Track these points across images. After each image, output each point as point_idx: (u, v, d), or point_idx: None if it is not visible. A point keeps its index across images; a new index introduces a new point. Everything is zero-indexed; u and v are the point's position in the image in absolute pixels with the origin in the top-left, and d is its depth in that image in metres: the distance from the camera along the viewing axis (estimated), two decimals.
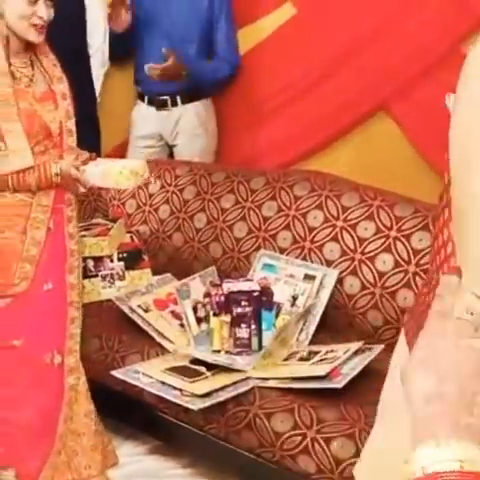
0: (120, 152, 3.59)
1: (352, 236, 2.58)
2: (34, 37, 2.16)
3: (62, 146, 2.23)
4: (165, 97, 3.44)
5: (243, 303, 2.44)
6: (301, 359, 2.32)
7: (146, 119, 3.52)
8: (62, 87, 2.24)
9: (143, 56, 3.40)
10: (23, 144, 2.13)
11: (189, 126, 3.48)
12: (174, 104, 3.46)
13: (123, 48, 3.48)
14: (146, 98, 3.49)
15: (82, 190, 2.26)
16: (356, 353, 2.27)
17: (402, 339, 1.56)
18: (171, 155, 3.60)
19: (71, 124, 2.24)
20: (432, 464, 0.72)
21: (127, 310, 2.67)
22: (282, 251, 2.73)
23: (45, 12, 2.12)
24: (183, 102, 3.46)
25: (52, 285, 2.24)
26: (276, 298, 2.52)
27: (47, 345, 2.27)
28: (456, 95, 1.13)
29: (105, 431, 2.42)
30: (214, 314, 2.47)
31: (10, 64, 2.15)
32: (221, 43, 3.43)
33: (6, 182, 2.14)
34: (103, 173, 2.20)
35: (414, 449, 0.75)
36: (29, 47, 2.22)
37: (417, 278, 2.44)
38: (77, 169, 2.19)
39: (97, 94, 3.60)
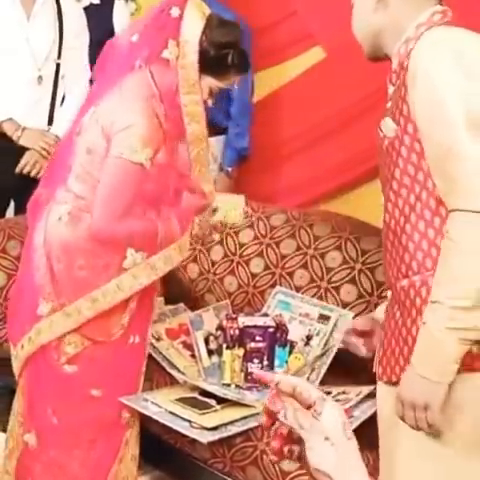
0: None
1: (370, 279, 2.59)
2: None
3: None
4: None
5: (257, 338, 2.44)
6: None
7: None
8: None
9: None
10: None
11: None
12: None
13: None
14: None
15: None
16: (368, 396, 2.25)
17: (381, 386, 1.59)
18: None
19: None
20: None
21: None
22: (298, 289, 2.73)
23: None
24: None
25: (139, 339, 2.22)
26: (290, 336, 2.51)
27: (122, 404, 2.24)
28: (412, 82, 1.49)
29: None
30: (227, 347, 2.46)
31: None
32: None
33: None
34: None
35: None
36: None
37: None
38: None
39: None
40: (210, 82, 2.10)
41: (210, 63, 2.06)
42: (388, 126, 1.56)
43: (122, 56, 2.11)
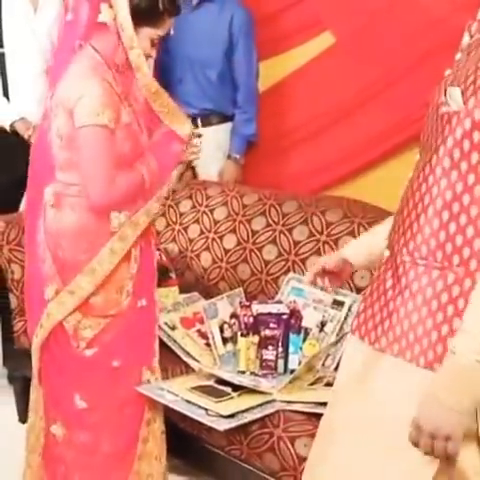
0: None
1: None
2: None
3: None
4: None
5: (271, 325, 2.44)
6: (328, 384, 2.31)
7: None
8: None
9: (164, 78, 3.48)
10: None
11: (207, 149, 3.53)
12: (195, 126, 3.52)
13: None
14: None
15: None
16: None
17: (353, 340, 1.57)
18: (195, 176, 3.66)
19: None
20: None
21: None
22: None
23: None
24: (204, 125, 3.51)
25: (146, 302, 2.26)
26: (304, 323, 2.51)
27: (140, 363, 2.29)
28: None
29: None
30: (242, 334, 2.47)
31: None
32: (240, 73, 3.52)
33: None
34: None
35: None
36: None
37: None
38: None
39: None
40: (149, 33, 2.15)
41: (144, 14, 2.11)
42: (454, 98, 1.39)
43: (64, 39, 2.18)
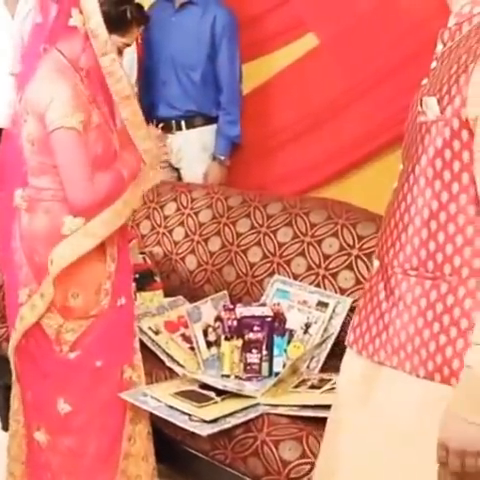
0: None
1: (367, 265, 2.56)
2: None
3: None
4: (171, 121, 3.49)
5: (255, 328, 2.42)
6: (312, 387, 2.30)
7: None
8: None
9: (147, 81, 3.47)
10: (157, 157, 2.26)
11: (192, 150, 3.53)
12: (179, 128, 3.51)
13: None
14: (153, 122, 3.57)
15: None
16: None
17: (350, 355, 1.56)
18: (180, 178, 3.66)
19: None
20: None
21: (137, 331, 2.66)
22: (296, 277, 2.71)
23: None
24: (188, 127, 3.51)
25: (125, 300, 2.27)
26: (289, 325, 2.50)
27: (121, 361, 2.29)
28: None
29: None
30: (226, 338, 2.45)
31: None
32: (223, 75, 3.53)
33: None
34: None
35: None
36: None
37: None
38: None
39: None
40: (116, 40, 2.19)
41: (113, 22, 2.14)
42: (430, 107, 1.39)
43: (32, 42, 2.18)
